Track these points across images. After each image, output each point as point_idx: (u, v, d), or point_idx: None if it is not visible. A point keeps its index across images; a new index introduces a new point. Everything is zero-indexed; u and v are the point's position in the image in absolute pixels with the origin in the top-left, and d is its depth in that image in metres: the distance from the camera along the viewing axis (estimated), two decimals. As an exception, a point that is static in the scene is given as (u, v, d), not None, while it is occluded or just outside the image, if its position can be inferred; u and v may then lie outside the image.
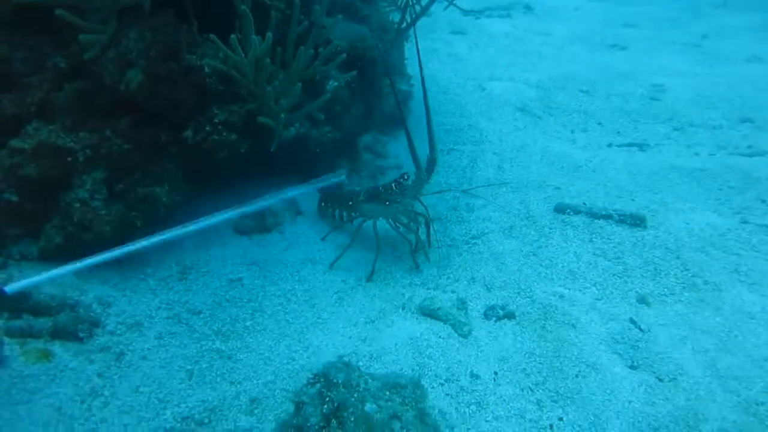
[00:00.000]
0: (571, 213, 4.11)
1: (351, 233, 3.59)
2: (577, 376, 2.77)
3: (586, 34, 7.98)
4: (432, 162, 3.35)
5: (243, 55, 2.74)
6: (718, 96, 6.03)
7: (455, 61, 7.02)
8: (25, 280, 1.78)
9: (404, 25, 4.57)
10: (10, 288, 1.58)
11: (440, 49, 7.33)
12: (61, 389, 2.49)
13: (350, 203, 3.66)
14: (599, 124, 5.64)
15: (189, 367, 2.75)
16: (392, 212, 3.50)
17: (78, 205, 2.95)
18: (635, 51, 7.49)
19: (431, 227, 3.64)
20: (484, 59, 7.20)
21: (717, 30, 7.97)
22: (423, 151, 3.34)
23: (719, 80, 6.51)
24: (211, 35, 2.78)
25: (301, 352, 2.90)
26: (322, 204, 3.92)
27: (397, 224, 3.55)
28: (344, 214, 3.73)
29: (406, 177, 3.43)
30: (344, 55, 3.10)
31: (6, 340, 2.60)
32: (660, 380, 2.73)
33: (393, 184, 3.46)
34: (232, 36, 2.73)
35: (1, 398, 2.37)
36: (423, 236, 3.65)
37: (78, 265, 2.62)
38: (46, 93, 2.99)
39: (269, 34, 2.70)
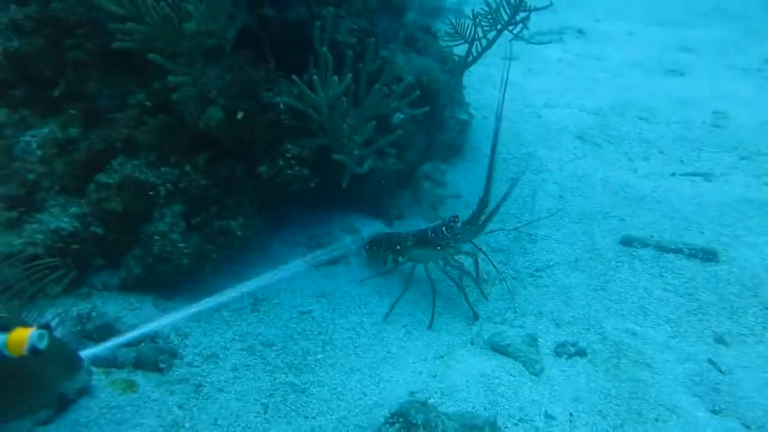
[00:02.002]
0: (639, 246, 4.03)
1: (403, 277, 3.49)
2: (657, 419, 2.70)
3: (642, 59, 7.86)
4: (484, 205, 3.14)
5: (322, 94, 2.80)
6: (785, 123, 5.86)
7: (510, 88, 6.96)
8: (101, 345, 1.88)
9: (470, 59, 4.60)
10: (85, 354, 1.64)
11: (493, 74, 7.31)
12: (146, 420, 2.56)
13: (398, 247, 3.50)
14: (661, 152, 5.53)
15: (264, 400, 2.78)
16: (443, 256, 3.36)
17: (158, 237, 3.04)
18: (695, 76, 7.34)
19: (478, 264, 3.53)
20: (538, 85, 7.16)
21: (780, 54, 7.76)
22: (497, 189, 3.22)
23: (785, 106, 6.33)
24: (294, 76, 2.85)
25: (372, 387, 2.90)
26: (369, 248, 3.75)
27: (448, 268, 3.42)
28: (391, 258, 3.59)
29: (455, 219, 3.25)
30: (417, 92, 3.14)
31: (93, 369, 2.68)
32: (747, 428, 2.63)
33: (443, 228, 3.26)
34: (314, 77, 2.80)
35: (92, 429, 2.45)
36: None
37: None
38: (131, 129, 3.11)
39: (349, 76, 2.76)
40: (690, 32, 8.88)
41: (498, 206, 3.13)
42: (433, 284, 3.32)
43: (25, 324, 1.32)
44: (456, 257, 3.44)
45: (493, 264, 3.60)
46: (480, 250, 3.51)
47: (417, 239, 3.40)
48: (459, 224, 3.24)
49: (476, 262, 3.54)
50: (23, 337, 1.29)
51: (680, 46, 8.39)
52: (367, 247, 3.77)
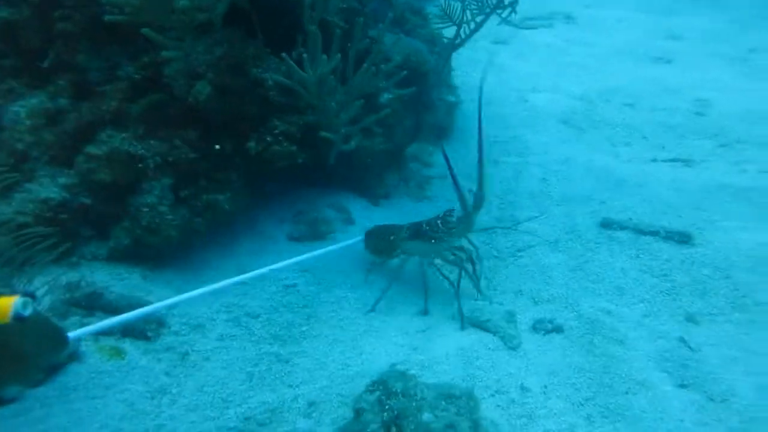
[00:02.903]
0: (617, 228, 4.14)
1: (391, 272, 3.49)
2: (627, 392, 2.81)
3: (630, 46, 7.93)
4: (480, 199, 3.11)
5: (310, 72, 2.85)
6: (766, 112, 5.96)
7: (498, 72, 7.05)
8: (89, 327, 1.92)
9: (458, 41, 4.64)
10: (73, 335, 1.67)
11: (483, 59, 7.35)
12: (133, 385, 2.63)
13: (391, 238, 3.45)
14: (644, 138, 5.63)
15: (249, 369, 2.86)
16: (437, 251, 3.33)
17: (146, 209, 3.09)
18: (680, 64, 7.43)
19: (478, 266, 3.44)
20: (526, 70, 7.23)
21: (766, 44, 7.85)
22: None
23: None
24: (284, 54, 2.89)
25: (354, 358, 2.99)
26: (368, 239, 3.67)
27: (443, 262, 3.38)
28: (387, 250, 3.52)
29: (450, 213, 3.24)
30: (405, 72, 3.20)
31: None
32: (711, 400, 2.75)
33: (438, 221, 3.24)
34: (304, 54, 2.85)
35: (80, 392, 2.52)
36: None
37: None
38: (120, 102, 3.14)
39: (337, 54, 2.81)
40: (678, 20, 8.95)
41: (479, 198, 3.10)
42: (426, 278, 3.32)
43: (11, 292, 1.34)
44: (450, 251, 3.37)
45: (474, 271, 3.47)
46: (471, 244, 3.48)
47: (411, 232, 3.38)
48: (454, 218, 3.23)
49: (473, 262, 3.42)
50: (7, 304, 1.30)
51: (668, 33, 8.46)
52: (366, 239, 3.69)
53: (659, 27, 8.72)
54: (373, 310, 3.35)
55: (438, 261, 3.41)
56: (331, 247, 3.40)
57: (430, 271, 3.41)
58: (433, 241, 3.26)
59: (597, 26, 8.94)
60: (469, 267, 3.38)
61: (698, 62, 7.48)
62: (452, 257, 3.36)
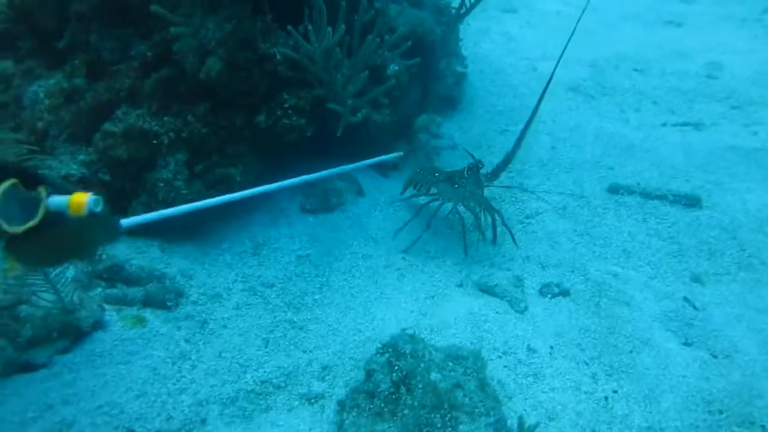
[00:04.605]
0: (625, 193, 4.18)
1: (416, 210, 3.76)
2: (631, 351, 2.90)
3: (640, 11, 7.84)
4: (509, 156, 3.50)
5: (316, 45, 2.91)
6: (779, 74, 5.92)
7: (507, 41, 7.03)
8: (138, 216, 2.02)
9: (463, 10, 4.65)
10: (126, 222, 1.82)
11: (492, 28, 7.34)
12: (155, 352, 2.76)
13: (435, 175, 3.77)
14: (654, 103, 5.62)
15: (265, 335, 2.98)
16: (461, 195, 3.58)
17: (162, 184, 3.19)
18: (691, 27, 7.35)
19: (497, 217, 3.64)
20: (535, 38, 7.18)
21: (779, 4, 7.73)
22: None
23: (780, 57, 6.37)
24: (290, 27, 2.95)
25: (366, 324, 3.09)
26: (411, 177, 4.03)
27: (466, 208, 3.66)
28: (425, 187, 3.88)
29: (477, 165, 3.46)
30: (409, 43, 3.24)
31: (105, 306, 2.87)
32: (714, 357, 2.83)
33: (466, 170, 3.51)
34: (309, 27, 2.90)
35: (105, 358, 2.65)
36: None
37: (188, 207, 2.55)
38: (133, 80, 3.23)
39: (342, 26, 2.86)
40: (691, -18, 8.81)
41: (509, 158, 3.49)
42: (461, 216, 3.63)
43: (82, 190, 1.48)
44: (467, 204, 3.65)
45: (493, 224, 3.68)
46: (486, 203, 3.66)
47: (445, 175, 3.68)
48: (479, 170, 3.49)
49: (494, 216, 3.64)
50: (83, 200, 1.45)
51: (680, -4, 8.35)
52: (408, 178, 4.07)
53: (671, -10, 8.59)
54: (406, 251, 3.63)
55: (461, 208, 3.68)
56: (372, 160, 3.68)
57: (454, 218, 3.71)
58: (456, 186, 3.54)
59: (608, -9, 8.81)
60: (488, 215, 3.65)
61: (710, 25, 7.39)
62: (471, 204, 3.63)
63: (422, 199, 3.84)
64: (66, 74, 3.27)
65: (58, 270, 2.62)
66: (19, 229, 1.36)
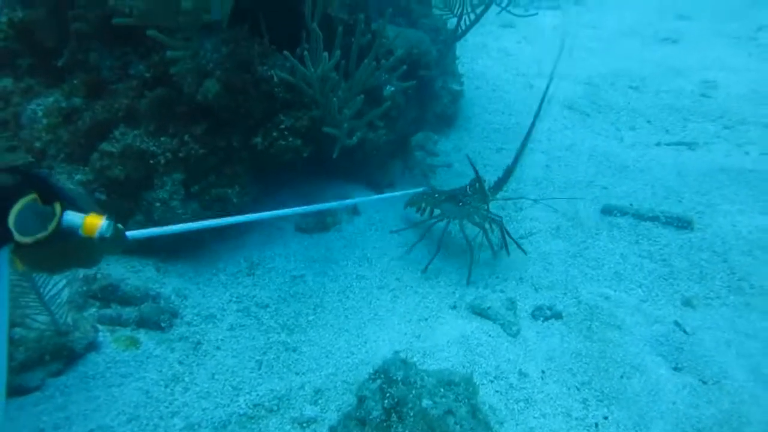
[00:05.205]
0: (618, 214, 4.22)
1: (422, 231, 3.84)
2: (622, 376, 2.92)
3: (637, 27, 7.92)
4: (509, 172, 3.62)
5: (312, 69, 2.94)
6: (772, 93, 5.98)
7: (504, 57, 7.09)
8: (144, 230, 2.07)
9: (459, 32, 4.69)
10: (131, 234, 1.87)
11: (489, 44, 7.40)
12: (148, 374, 2.77)
13: (436, 197, 3.84)
14: (648, 122, 5.67)
15: (258, 357, 2.99)
16: (465, 213, 3.64)
17: (159, 204, 3.21)
18: (687, 45, 7.42)
19: (505, 231, 3.68)
20: (532, 54, 7.24)
21: (775, 22, 7.81)
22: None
23: (775, 76, 6.43)
24: (286, 52, 2.98)
25: (359, 346, 3.11)
26: (412, 200, 4.09)
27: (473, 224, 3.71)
28: (429, 209, 3.90)
29: (477, 181, 3.50)
30: (405, 67, 3.27)
31: (99, 327, 2.89)
32: (704, 383, 2.86)
33: (467, 187, 3.61)
34: (305, 52, 2.93)
35: (98, 381, 2.66)
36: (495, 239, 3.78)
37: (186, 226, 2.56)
38: (131, 100, 3.24)
39: (338, 52, 2.89)
40: (689, -2, 8.90)
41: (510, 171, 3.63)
42: (468, 240, 3.65)
43: (98, 211, 1.53)
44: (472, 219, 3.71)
45: (503, 236, 3.71)
46: (491, 217, 3.71)
47: (447, 195, 3.77)
48: (483, 184, 3.54)
49: (501, 228, 3.69)
50: (96, 224, 1.48)
51: (677, 13, 8.43)
52: (410, 200, 4.13)
53: (668, 6, 8.69)
54: (425, 271, 3.68)
55: (466, 223, 3.76)
56: (391, 194, 3.92)
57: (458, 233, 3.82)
58: (460, 204, 3.63)
59: (605, 6, 8.91)
60: (488, 228, 3.69)
61: (706, 42, 7.46)
62: (477, 219, 3.68)
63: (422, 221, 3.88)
64: (64, 93, 3.29)
65: (53, 292, 2.64)
66: (29, 240, 1.41)
